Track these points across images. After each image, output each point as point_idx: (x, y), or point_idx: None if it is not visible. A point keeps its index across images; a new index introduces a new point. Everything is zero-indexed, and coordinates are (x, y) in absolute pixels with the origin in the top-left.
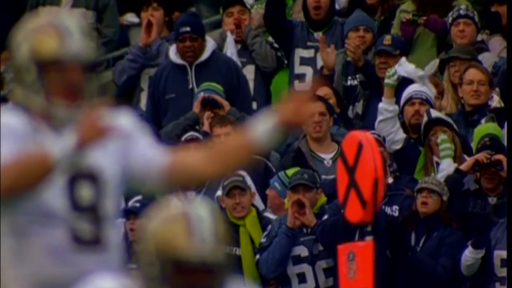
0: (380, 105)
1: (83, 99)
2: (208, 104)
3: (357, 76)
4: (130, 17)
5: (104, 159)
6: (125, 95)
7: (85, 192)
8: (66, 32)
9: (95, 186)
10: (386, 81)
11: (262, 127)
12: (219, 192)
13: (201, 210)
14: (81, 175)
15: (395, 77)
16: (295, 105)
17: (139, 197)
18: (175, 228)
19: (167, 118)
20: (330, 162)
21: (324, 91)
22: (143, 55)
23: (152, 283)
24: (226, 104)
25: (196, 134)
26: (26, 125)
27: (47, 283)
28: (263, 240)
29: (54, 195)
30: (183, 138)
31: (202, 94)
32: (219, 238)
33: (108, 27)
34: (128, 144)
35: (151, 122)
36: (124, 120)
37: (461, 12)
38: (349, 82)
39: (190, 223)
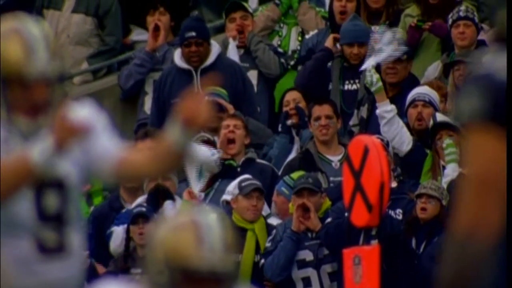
0: (377, 111)
1: (46, 114)
2: (212, 107)
3: (356, 80)
4: (137, 35)
5: (67, 164)
6: (129, 99)
7: (51, 201)
8: (32, 48)
9: (60, 193)
10: (372, 89)
11: (173, 129)
12: (225, 196)
13: (210, 219)
14: (48, 184)
15: (374, 79)
16: (191, 104)
17: (142, 200)
18: (184, 237)
19: None
20: (338, 164)
21: (293, 95)
22: (150, 59)
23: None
24: (230, 108)
25: (206, 135)
26: None
27: None
28: (268, 244)
29: (21, 205)
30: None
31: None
32: (228, 246)
33: (110, 35)
34: (90, 138)
35: (156, 126)
36: (85, 112)
37: (461, 13)
38: (346, 87)
39: (199, 231)
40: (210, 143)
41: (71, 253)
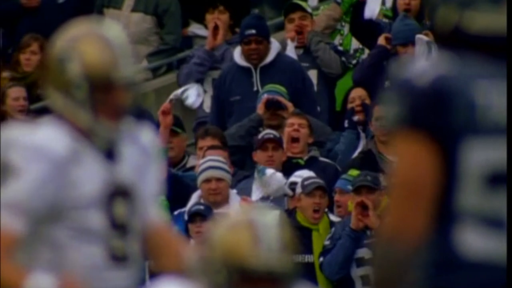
0: None
1: (123, 119)
2: (272, 105)
3: None
4: (195, 28)
5: (132, 174)
6: None
7: (121, 209)
8: (120, 54)
9: (128, 202)
10: None
11: None
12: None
13: (268, 218)
14: (117, 192)
15: None
16: None
17: (198, 199)
18: (242, 236)
19: (232, 120)
20: None
21: (359, 92)
22: (209, 58)
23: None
24: (290, 106)
25: (273, 132)
26: (67, 149)
27: None
28: (327, 242)
29: (94, 212)
30: (259, 136)
31: (266, 95)
32: (286, 246)
33: (169, 33)
34: (145, 167)
35: (215, 124)
36: (145, 137)
37: None
38: None
39: (256, 231)
40: (275, 140)
41: (134, 262)
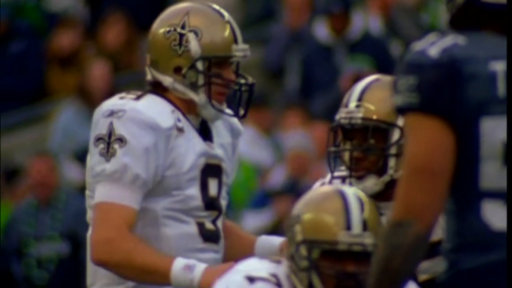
0: None
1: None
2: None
3: None
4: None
5: (222, 153)
6: (274, 74)
7: (213, 187)
8: (235, 27)
9: (218, 180)
10: None
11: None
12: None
13: (354, 198)
14: (211, 170)
15: None
16: None
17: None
18: (327, 214)
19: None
20: None
21: None
22: (292, 36)
23: (300, 269)
24: None
25: None
26: (172, 123)
27: None
28: None
29: (192, 189)
30: None
31: None
32: (372, 226)
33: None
34: (231, 147)
35: (301, 101)
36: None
37: None
38: None
39: (342, 210)
40: None
41: (220, 239)
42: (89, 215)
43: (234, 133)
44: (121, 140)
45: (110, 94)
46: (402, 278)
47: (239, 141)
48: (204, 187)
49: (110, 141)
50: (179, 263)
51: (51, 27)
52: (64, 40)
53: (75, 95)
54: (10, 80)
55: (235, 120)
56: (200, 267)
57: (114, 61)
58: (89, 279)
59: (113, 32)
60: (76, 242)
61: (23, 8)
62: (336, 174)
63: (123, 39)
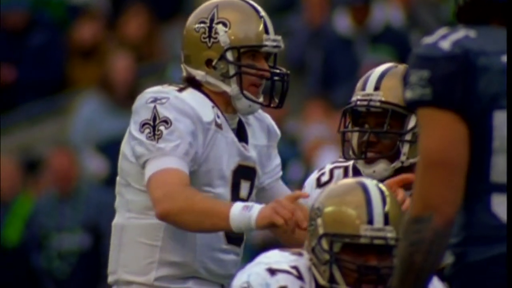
0: None
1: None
2: None
3: None
4: None
5: (256, 156)
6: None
7: (244, 188)
8: (266, 21)
9: (251, 181)
10: None
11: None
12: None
13: (376, 191)
14: (244, 172)
15: None
16: (288, 207)
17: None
18: (349, 208)
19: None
20: None
21: None
22: (312, 30)
23: (322, 262)
24: None
25: None
26: (211, 117)
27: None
28: None
29: (223, 190)
30: None
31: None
32: (394, 219)
33: None
34: (267, 150)
35: (322, 95)
36: (269, 118)
37: None
38: None
39: (364, 203)
40: None
41: (243, 242)
42: (118, 202)
43: (271, 136)
44: (166, 122)
45: (132, 85)
46: (426, 274)
47: (276, 144)
48: (235, 188)
49: (156, 124)
50: (238, 205)
51: (72, 19)
52: (86, 31)
53: (96, 87)
54: (32, 72)
55: (272, 123)
56: (257, 207)
57: (135, 53)
58: (110, 267)
59: (135, 23)
60: (97, 234)
61: (45, 0)
62: (337, 164)
63: (145, 31)
